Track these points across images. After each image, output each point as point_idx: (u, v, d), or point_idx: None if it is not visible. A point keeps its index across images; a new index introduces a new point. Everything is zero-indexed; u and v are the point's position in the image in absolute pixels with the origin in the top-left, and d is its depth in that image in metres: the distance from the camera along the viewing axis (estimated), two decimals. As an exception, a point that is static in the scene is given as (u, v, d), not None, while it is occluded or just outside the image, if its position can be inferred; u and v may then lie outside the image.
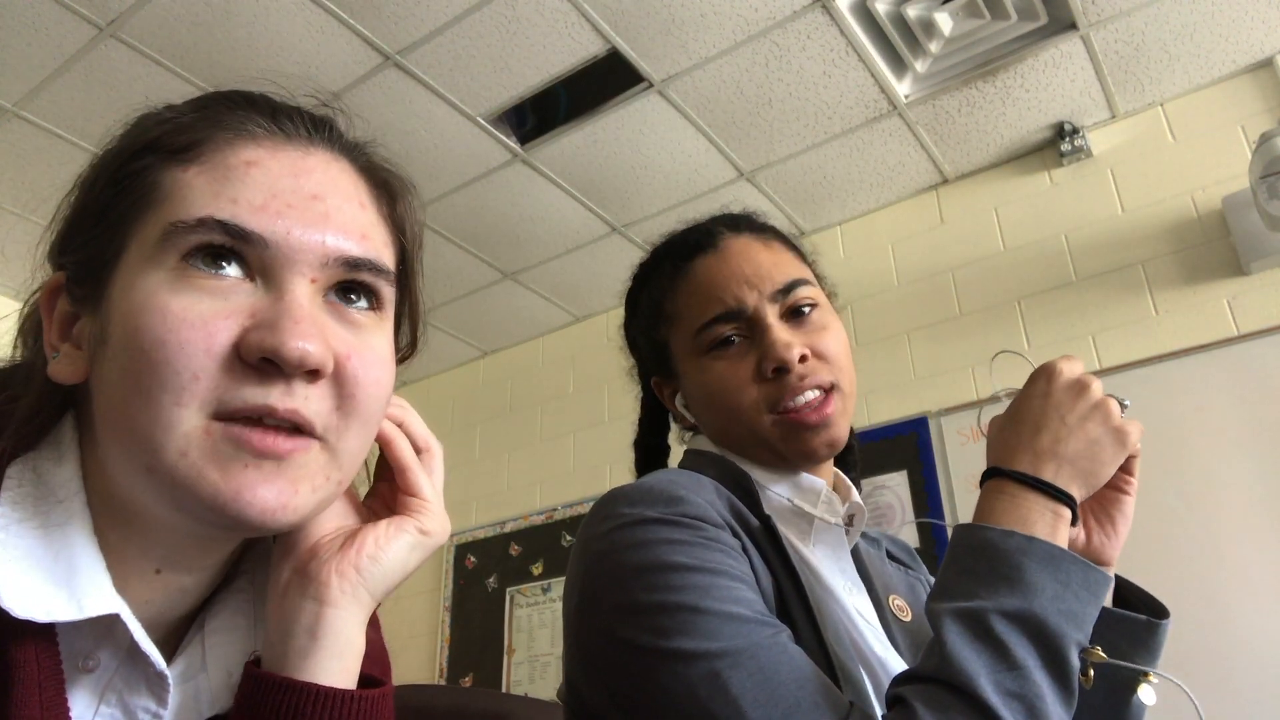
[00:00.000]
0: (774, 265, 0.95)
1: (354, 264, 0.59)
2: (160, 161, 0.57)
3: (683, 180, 2.93)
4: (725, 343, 0.92)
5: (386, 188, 0.66)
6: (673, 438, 1.07)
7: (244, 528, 0.55)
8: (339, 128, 0.65)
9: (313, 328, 0.55)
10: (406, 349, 0.70)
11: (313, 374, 0.55)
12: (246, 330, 0.54)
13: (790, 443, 0.90)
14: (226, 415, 0.53)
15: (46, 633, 0.53)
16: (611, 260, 3.27)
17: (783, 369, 0.89)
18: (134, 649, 0.55)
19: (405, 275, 0.67)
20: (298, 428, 0.55)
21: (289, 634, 0.57)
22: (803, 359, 0.90)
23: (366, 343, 0.59)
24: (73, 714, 0.53)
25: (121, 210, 0.57)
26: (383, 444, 0.65)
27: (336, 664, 0.57)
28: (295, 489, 0.55)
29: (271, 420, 0.54)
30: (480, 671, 3.26)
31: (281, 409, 0.54)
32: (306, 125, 0.62)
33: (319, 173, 0.60)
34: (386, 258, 0.62)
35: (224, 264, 0.55)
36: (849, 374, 0.93)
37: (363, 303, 0.60)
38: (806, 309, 0.93)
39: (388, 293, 0.62)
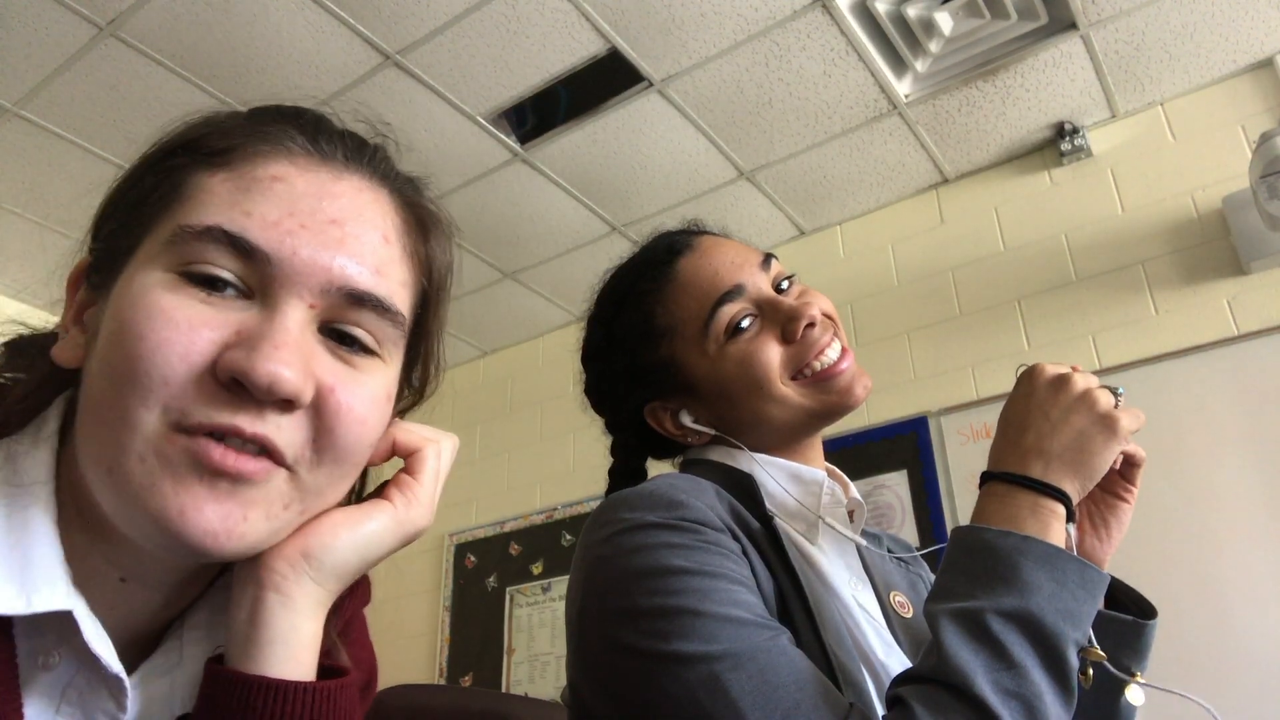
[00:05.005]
0: (745, 248, 1.00)
1: (359, 297, 0.56)
2: (192, 163, 0.57)
3: (682, 180, 2.93)
4: (740, 328, 0.93)
5: (420, 224, 0.63)
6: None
7: (183, 550, 0.51)
8: (383, 155, 0.62)
9: (294, 355, 0.52)
10: (410, 399, 0.66)
11: (287, 404, 0.52)
12: (227, 345, 0.51)
13: (826, 394, 0.93)
14: (189, 429, 0.50)
15: (3, 626, 0.50)
16: (611, 260, 3.24)
17: (812, 324, 0.93)
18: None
19: (424, 318, 0.63)
20: (265, 451, 0.52)
21: (234, 622, 0.55)
22: (826, 316, 0.96)
23: (357, 378, 0.56)
24: (29, 712, 0.51)
25: (147, 205, 0.57)
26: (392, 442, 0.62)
27: (281, 651, 0.53)
28: (245, 514, 0.52)
29: (236, 440, 0.51)
30: (480, 671, 3.26)
31: (249, 431, 0.51)
32: (346, 149, 0.60)
33: (346, 199, 0.58)
34: (400, 299, 0.59)
35: (217, 282, 0.53)
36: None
37: (358, 346, 0.57)
38: (785, 284, 0.98)
39: (391, 334, 0.58)
